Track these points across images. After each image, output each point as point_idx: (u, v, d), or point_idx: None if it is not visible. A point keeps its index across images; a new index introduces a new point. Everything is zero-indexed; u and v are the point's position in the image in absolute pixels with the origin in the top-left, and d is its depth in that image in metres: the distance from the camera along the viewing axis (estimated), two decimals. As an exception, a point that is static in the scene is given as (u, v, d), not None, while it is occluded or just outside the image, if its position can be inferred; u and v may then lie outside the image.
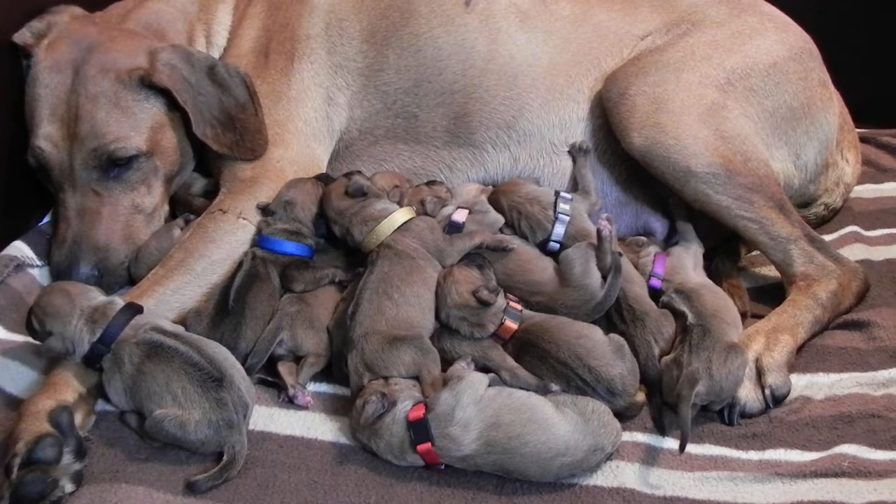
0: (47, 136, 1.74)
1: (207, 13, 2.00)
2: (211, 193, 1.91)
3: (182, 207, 1.95)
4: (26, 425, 1.37)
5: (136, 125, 1.77)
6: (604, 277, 1.59)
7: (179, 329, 1.50)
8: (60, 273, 1.74)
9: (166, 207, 1.90)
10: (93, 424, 1.48)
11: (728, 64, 1.82)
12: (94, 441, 1.44)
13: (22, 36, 1.83)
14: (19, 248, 1.80)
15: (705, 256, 1.80)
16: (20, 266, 1.77)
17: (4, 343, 1.61)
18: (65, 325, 1.42)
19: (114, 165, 1.76)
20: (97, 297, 1.49)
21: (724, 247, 1.86)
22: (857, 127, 2.18)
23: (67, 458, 1.35)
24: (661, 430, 1.47)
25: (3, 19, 1.83)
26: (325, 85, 1.95)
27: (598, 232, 1.61)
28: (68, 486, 1.33)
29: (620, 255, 1.62)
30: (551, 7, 1.98)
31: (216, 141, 1.81)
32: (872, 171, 2.25)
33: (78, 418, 1.44)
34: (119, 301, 1.50)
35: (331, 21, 1.96)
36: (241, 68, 1.88)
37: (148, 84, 1.77)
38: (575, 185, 1.90)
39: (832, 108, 1.93)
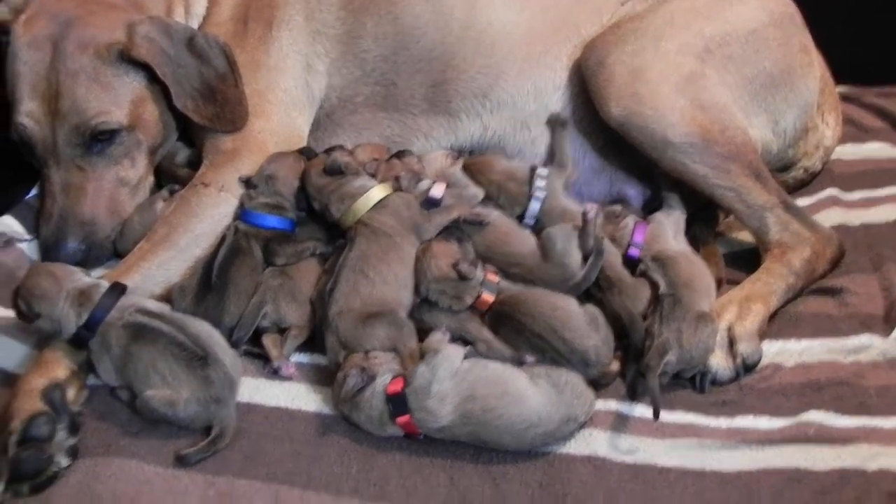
0: (29, 113, 1.75)
1: (185, -18, 1.99)
2: (195, 163, 1.93)
3: (167, 178, 1.97)
4: (20, 404, 1.41)
5: (116, 100, 1.78)
6: (585, 258, 1.62)
7: (164, 308, 1.54)
8: (48, 248, 1.78)
9: (151, 178, 1.92)
10: (85, 398, 1.52)
11: (707, 31, 1.82)
12: (87, 415, 1.48)
13: (-1, 11, 1.83)
14: (7, 224, 1.85)
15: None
16: (9, 241, 1.81)
17: (-2, 320, 1.66)
18: (52, 306, 1.46)
19: (96, 141, 1.77)
20: (82, 278, 1.52)
21: (703, 213, 1.88)
22: (840, 84, 2.19)
23: (61, 434, 1.39)
24: (634, 397, 1.52)
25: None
26: (304, 52, 1.95)
27: (584, 214, 1.63)
28: (63, 461, 1.38)
29: (603, 238, 1.64)
30: None
31: (197, 113, 1.82)
32: (854, 131, 2.25)
33: (70, 394, 1.48)
34: (104, 283, 1.52)
35: None
36: (220, 38, 1.88)
37: (127, 58, 1.77)
38: (550, 156, 1.91)
39: (812, 74, 1.93)
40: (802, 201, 1.99)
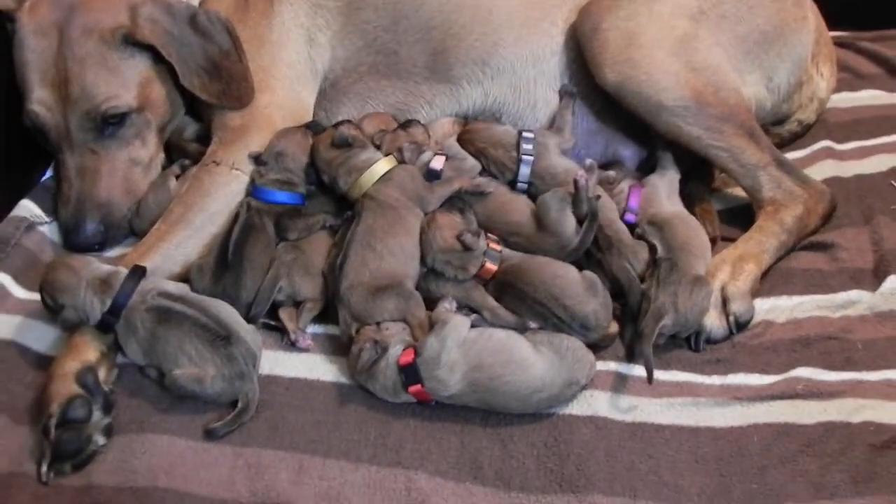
0: (40, 101, 1.81)
1: (184, -42, 2.01)
2: (204, 138, 1.98)
3: (176, 152, 2.03)
4: (57, 388, 1.50)
5: (124, 83, 1.83)
6: (580, 223, 1.68)
7: (184, 290, 1.61)
8: (68, 231, 1.86)
9: (162, 156, 1.99)
10: (116, 377, 1.61)
11: None
12: (119, 393, 1.57)
13: (3, 0, 1.85)
14: (28, 208, 1.91)
15: (680, 180, 1.88)
16: (31, 225, 1.88)
17: (26, 304, 1.73)
18: (75, 297, 1.54)
19: (108, 124, 1.83)
20: (100, 266, 1.60)
21: (698, 170, 1.93)
22: (834, 29, 2.19)
23: (97, 414, 1.49)
24: (632, 358, 1.60)
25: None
26: (306, 26, 1.98)
27: (575, 182, 1.68)
28: (101, 440, 1.48)
29: (598, 198, 1.69)
30: None
31: (204, 90, 1.86)
32: (850, 78, 2.27)
33: (102, 373, 1.57)
34: (122, 269, 1.60)
35: None
36: (221, 14, 1.91)
37: (132, 41, 1.81)
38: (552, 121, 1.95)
39: (806, 27, 1.96)
40: (796, 154, 2.04)
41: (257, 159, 1.82)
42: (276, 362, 1.64)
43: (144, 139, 1.91)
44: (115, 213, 1.87)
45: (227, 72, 1.88)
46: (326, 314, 1.72)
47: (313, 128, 1.87)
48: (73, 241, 1.85)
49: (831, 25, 2.16)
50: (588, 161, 1.78)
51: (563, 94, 1.94)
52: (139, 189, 1.91)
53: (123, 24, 1.81)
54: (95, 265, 1.60)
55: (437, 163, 1.77)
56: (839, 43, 2.30)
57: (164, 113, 1.93)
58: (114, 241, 1.88)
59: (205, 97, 1.87)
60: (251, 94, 1.89)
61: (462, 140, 1.85)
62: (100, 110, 1.80)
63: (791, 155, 2.01)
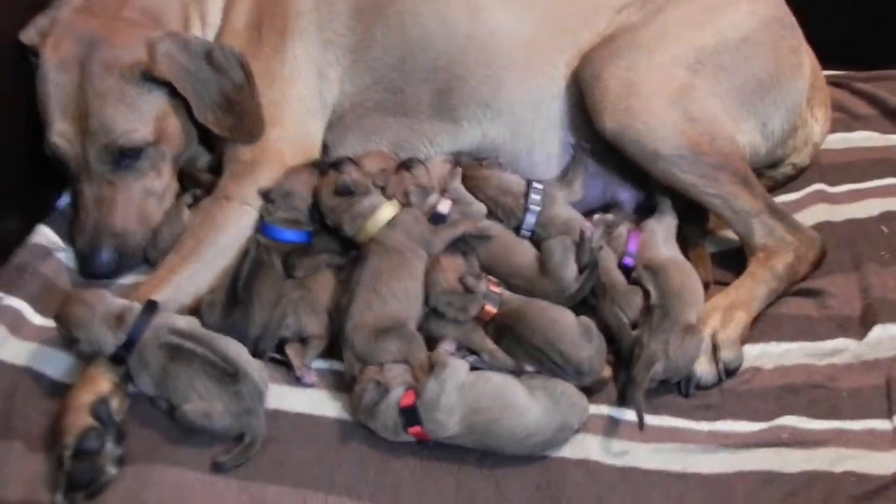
0: (61, 133, 1.87)
1: (200, -7, 2.07)
2: (216, 168, 2.05)
3: (189, 181, 2.09)
4: (72, 419, 1.56)
5: (142, 118, 1.89)
6: (581, 271, 1.75)
7: (194, 326, 1.67)
8: (84, 259, 1.91)
9: (175, 185, 2.04)
10: (128, 406, 1.66)
11: (699, 42, 1.90)
12: (130, 423, 1.63)
13: (28, 35, 1.92)
14: (45, 234, 1.97)
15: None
16: (48, 252, 1.94)
17: (42, 330, 1.79)
18: (88, 332, 1.60)
19: (124, 157, 1.89)
20: (114, 301, 1.66)
21: (693, 213, 1.98)
22: (829, 69, 2.23)
23: (109, 445, 1.54)
24: (625, 403, 1.65)
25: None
26: (317, 61, 2.04)
27: (581, 232, 1.75)
28: (113, 470, 1.53)
29: (600, 248, 1.76)
30: None
31: (217, 125, 1.92)
32: (844, 118, 2.31)
33: (115, 404, 1.62)
34: (136, 305, 1.66)
35: None
36: (236, 49, 1.96)
37: (150, 77, 1.87)
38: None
39: (801, 75, 2.01)
40: (790, 196, 2.09)
41: (265, 196, 1.88)
42: (282, 397, 1.69)
43: (159, 170, 1.96)
44: (130, 241, 1.93)
45: (240, 107, 1.93)
46: (332, 349, 1.78)
47: (320, 166, 1.93)
48: (89, 269, 1.90)
49: (825, 65, 2.20)
50: (596, 216, 1.85)
51: (578, 148, 2.00)
52: (153, 218, 1.96)
53: (142, 60, 1.86)
54: (109, 300, 1.66)
55: (444, 206, 1.83)
56: (834, 83, 2.35)
57: (178, 145, 1.98)
58: (127, 269, 1.94)
59: (217, 131, 1.93)
60: (262, 128, 1.95)
61: (470, 185, 1.91)
62: (117, 143, 1.86)
63: (784, 198, 2.07)
